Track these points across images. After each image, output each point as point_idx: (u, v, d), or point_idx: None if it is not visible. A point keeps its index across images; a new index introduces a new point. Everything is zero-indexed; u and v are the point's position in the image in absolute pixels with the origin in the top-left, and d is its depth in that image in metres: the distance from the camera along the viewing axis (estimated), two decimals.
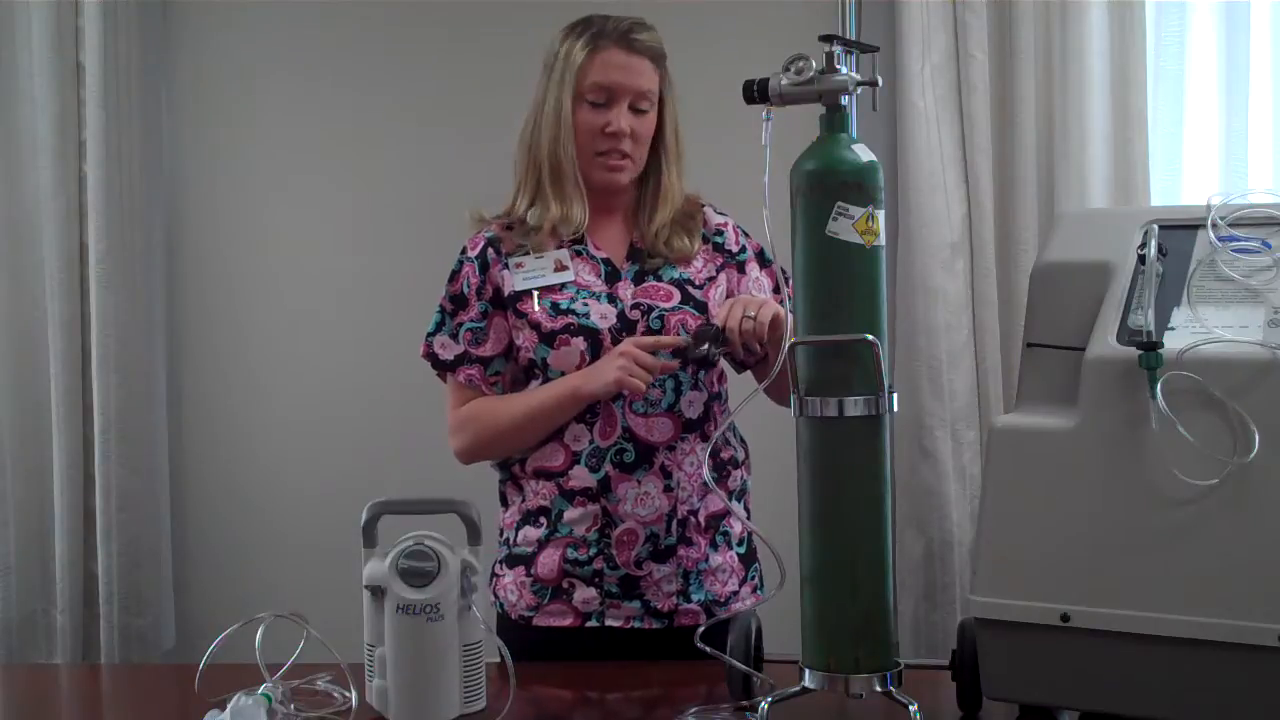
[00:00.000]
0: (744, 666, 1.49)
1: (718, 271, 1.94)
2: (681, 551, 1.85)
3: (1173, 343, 1.28)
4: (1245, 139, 2.63)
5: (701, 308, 1.88)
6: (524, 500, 1.91)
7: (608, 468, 1.83)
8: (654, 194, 1.93)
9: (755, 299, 1.80)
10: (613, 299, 1.88)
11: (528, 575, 1.88)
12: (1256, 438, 1.23)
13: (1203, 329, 1.30)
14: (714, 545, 1.88)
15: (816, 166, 1.38)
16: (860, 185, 1.36)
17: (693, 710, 1.47)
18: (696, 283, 1.91)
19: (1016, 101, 2.68)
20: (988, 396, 2.71)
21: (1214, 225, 1.35)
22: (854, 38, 1.43)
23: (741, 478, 1.95)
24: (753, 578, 1.94)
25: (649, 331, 1.84)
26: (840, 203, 1.36)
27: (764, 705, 1.41)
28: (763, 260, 2.00)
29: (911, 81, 2.68)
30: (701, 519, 1.87)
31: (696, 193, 2.00)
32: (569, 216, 1.88)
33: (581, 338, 1.84)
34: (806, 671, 1.41)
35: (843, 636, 1.39)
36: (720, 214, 2.01)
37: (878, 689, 1.38)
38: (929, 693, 1.42)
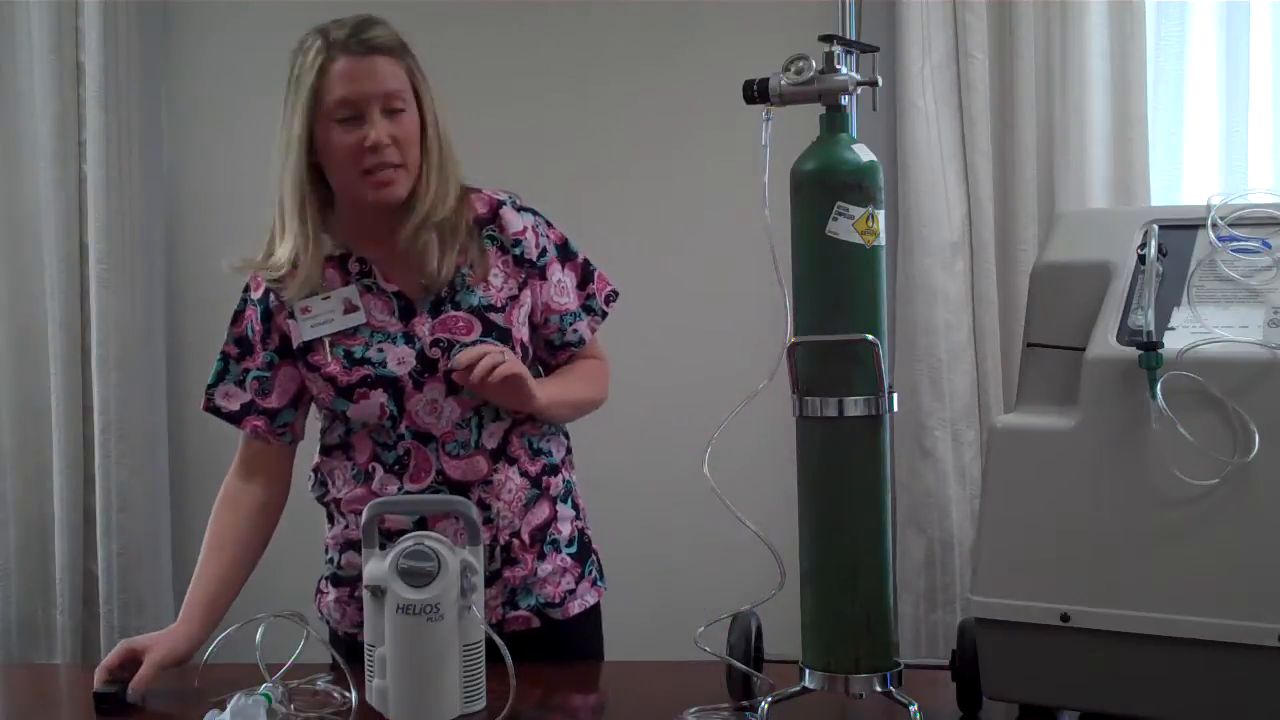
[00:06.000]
0: (744, 666, 1.49)
1: (520, 289, 1.82)
2: (507, 573, 1.79)
3: (1173, 343, 1.28)
4: (1245, 139, 2.64)
5: (505, 335, 1.77)
6: (346, 527, 1.83)
7: None
8: (408, 201, 1.76)
9: (500, 359, 1.68)
10: (410, 338, 1.76)
11: (352, 597, 1.81)
12: (1256, 438, 1.23)
13: (1203, 329, 1.30)
14: (541, 556, 1.82)
15: (816, 166, 1.38)
16: (860, 185, 1.36)
17: (693, 710, 1.47)
18: (498, 305, 1.79)
19: (1016, 101, 2.68)
20: (988, 396, 2.71)
21: (1214, 225, 1.36)
22: (854, 38, 1.43)
23: (563, 480, 1.86)
24: (589, 572, 1.88)
25: (452, 371, 1.73)
26: (840, 203, 1.36)
27: (764, 705, 1.41)
28: (566, 254, 1.88)
29: (911, 81, 2.68)
30: (525, 537, 1.80)
31: (492, 190, 1.85)
32: (283, 256, 1.75)
33: (380, 389, 1.74)
34: (806, 671, 1.41)
35: (843, 636, 1.39)
36: (524, 210, 1.86)
37: (878, 689, 1.38)
38: (929, 693, 1.42)
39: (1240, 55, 2.64)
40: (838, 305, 1.38)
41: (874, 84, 1.42)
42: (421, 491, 1.76)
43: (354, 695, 1.49)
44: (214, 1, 3.03)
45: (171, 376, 3.02)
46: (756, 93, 1.42)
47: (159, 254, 2.98)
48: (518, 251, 1.83)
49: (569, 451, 1.91)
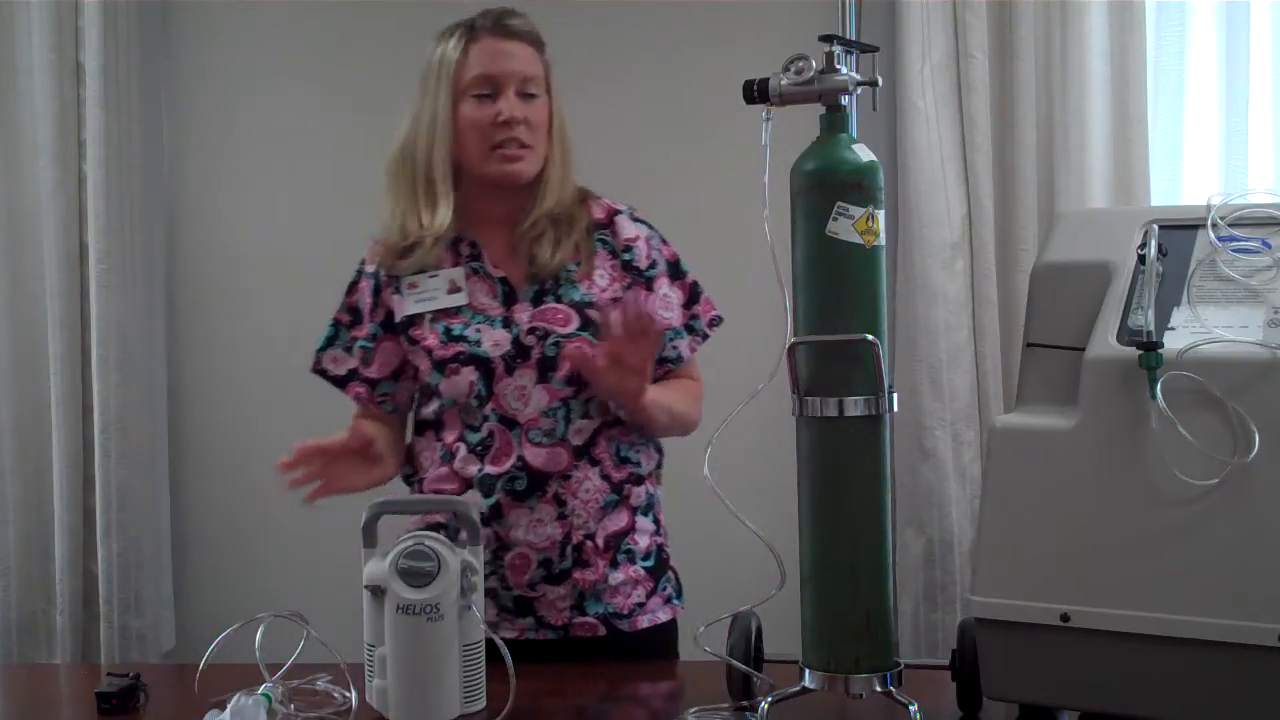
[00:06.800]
0: (744, 666, 1.49)
1: (624, 292, 1.86)
2: (577, 574, 1.80)
3: (1173, 343, 1.28)
4: (1245, 139, 2.64)
5: None
6: (427, 512, 1.84)
7: (499, 495, 1.77)
8: (533, 190, 1.84)
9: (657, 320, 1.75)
10: (508, 323, 1.81)
11: None
12: (1256, 438, 1.23)
13: (1203, 329, 1.30)
14: (614, 564, 1.82)
15: (816, 166, 1.38)
16: (860, 185, 1.36)
17: (693, 710, 1.47)
18: (599, 305, 1.82)
19: (1016, 101, 2.68)
20: (988, 396, 2.71)
21: (1214, 225, 1.35)
22: (854, 38, 1.43)
23: (646, 493, 1.88)
24: (663, 589, 1.89)
25: (544, 360, 1.79)
26: (840, 203, 1.36)
27: (764, 705, 1.41)
28: (676, 272, 1.92)
29: (911, 81, 2.68)
30: (600, 541, 1.81)
31: (601, 196, 1.91)
32: (434, 223, 1.81)
33: (472, 367, 1.79)
34: (806, 671, 1.41)
35: (843, 636, 1.39)
36: (639, 222, 1.92)
37: (878, 689, 1.38)
38: (929, 693, 1.42)
39: (1240, 55, 2.64)
40: (838, 305, 1.38)
41: (874, 84, 1.42)
42: (501, 475, 1.77)
43: (354, 695, 1.49)
44: (214, 1, 3.03)
45: (172, 376, 3.03)
46: (756, 93, 1.42)
47: (159, 254, 2.98)
48: (627, 257, 1.88)
49: (659, 466, 1.92)
